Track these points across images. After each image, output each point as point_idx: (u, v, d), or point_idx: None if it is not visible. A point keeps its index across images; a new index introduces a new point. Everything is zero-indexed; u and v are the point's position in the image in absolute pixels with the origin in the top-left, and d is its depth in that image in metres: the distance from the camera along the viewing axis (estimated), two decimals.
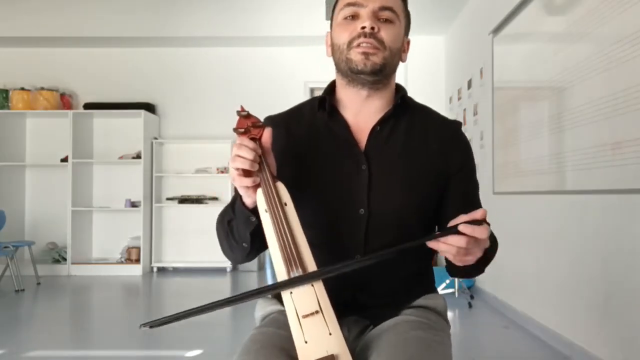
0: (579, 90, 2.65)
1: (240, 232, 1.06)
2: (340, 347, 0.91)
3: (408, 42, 1.17)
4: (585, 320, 2.66)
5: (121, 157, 6.11)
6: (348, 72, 1.10)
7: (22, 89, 5.99)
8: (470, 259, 0.93)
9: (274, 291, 0.97)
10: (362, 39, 1.07)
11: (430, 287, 1.21)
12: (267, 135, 1.02)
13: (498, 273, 3.99)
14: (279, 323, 1.05)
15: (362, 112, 1.15)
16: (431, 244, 0.92)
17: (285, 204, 0.99)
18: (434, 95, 5.55)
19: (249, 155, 0.97)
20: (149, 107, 6.09)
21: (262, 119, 1.21)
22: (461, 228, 0.88)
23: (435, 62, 5.75)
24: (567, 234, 2.81)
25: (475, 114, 4.63)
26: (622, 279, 2.34)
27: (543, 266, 3.14)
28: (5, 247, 4.85)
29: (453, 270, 1.11)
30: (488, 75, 4.15)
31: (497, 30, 3.92)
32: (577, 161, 2.67)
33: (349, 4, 1.09)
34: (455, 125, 1.20)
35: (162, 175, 6.21)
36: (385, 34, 1.08)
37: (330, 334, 0.91)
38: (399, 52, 1.12)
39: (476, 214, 0.89)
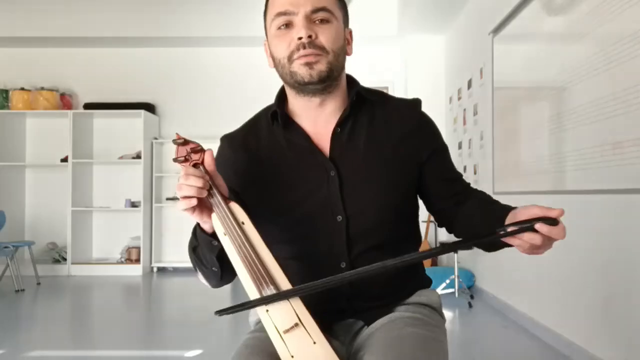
0: (579, 90, 2.65)
1: (206, 257, 1.03)
2: (327, 353, 0.91)
3: (350, 33, 1.11)
4: (585, 320, 2.66)
5: (121, 157, 6.11)
6: (295, 84, 1.05)
7: (22, 89, 5.99)
8: (541, 252, 0.94)
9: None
10: (301, 51, 1.01)
11: (423, 282, 1.19)
12: (209, 158, 0.99)
13: (498, 273, 3.99)
14: None
15: (318, 117, 1.10)
16: (506, 240, 0.92)
17: (243, 223, 0.96)
18: (434, 95, 5.52)
19: (197, 182, 0.93)
20: (149, 107, 6.09)
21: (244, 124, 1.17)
22: (538, 227, 0.88)
23: (435, 62, 5.74)
24: (568, 234, 2.79)
25: (475, 114, 4.62)
26: (622, 279, 2.34)
27: (543, 266, 3.14)
28: (5, 247, 4.85)
29: (488, 248, 1.08)
30: (488, 75, 4.15)
31: (497, 30, 3.92)
32: (578, 161, 2.67)
33: (279, 14, 1.03)
34: (417, 107, 1.15)
35: (162, 175, 6.21)
36: (324, 37, 1.02)
37: (314, 342, 0.91)
38: (343, 49, 1.07)
39: (552, 212, 0.88)
